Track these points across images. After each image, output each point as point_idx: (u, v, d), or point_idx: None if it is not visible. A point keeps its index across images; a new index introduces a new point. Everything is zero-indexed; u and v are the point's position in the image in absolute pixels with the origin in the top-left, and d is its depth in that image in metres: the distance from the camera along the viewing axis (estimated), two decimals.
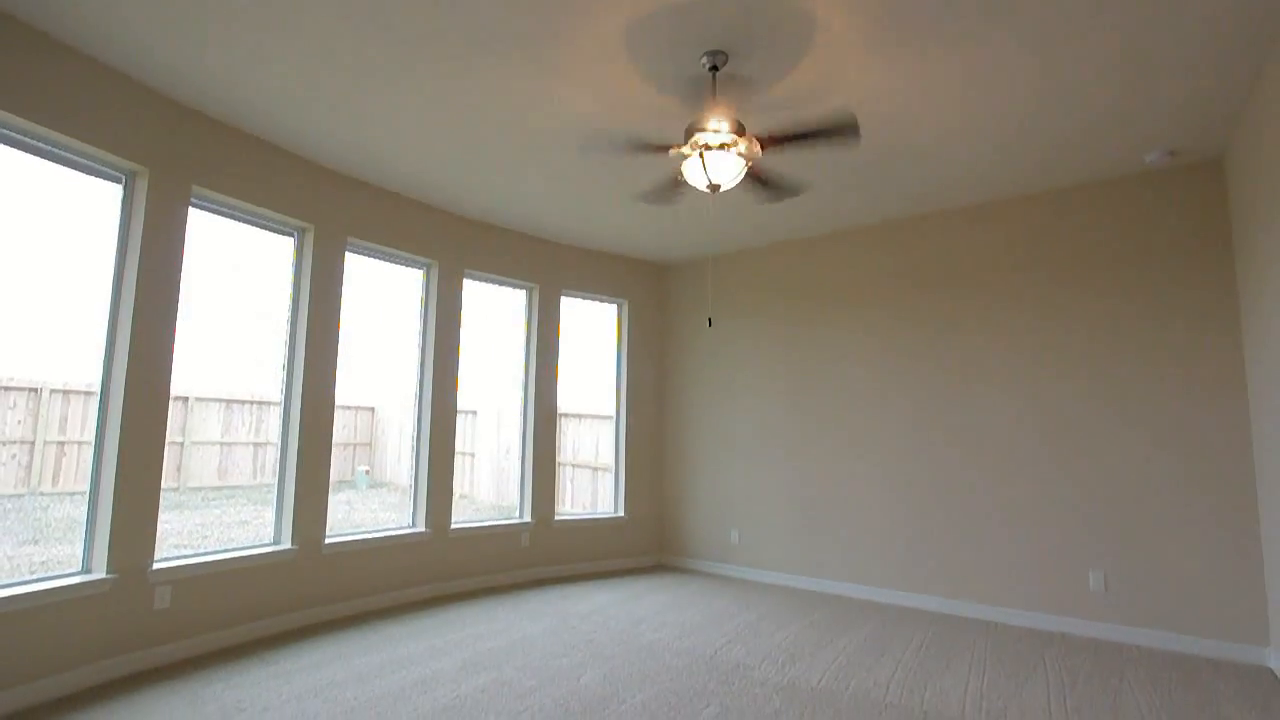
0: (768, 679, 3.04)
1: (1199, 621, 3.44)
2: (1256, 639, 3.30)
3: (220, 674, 2.99)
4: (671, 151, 2.63)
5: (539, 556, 5.06)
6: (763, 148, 2.55)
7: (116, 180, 3.09)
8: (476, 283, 4.98)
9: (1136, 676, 3.11)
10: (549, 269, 5.30)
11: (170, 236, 3.18)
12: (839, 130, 2.45)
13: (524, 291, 5.27)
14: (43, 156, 2.84)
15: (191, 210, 3.32)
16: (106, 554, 2.91)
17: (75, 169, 2.96)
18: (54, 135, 2.77)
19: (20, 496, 5.46)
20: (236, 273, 4.33)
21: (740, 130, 2.52)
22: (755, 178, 2.86)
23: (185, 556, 3.30)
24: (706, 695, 2.85)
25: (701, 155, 2.50)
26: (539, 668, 3.14)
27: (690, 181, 2.64)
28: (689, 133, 2.56)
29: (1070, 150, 3.51)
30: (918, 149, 3.50)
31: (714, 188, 2.56)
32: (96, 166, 3.01)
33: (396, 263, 4.49)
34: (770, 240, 5.24)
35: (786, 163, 3.63)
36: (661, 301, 5.98)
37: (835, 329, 4.89)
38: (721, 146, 2.50)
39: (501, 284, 5.13)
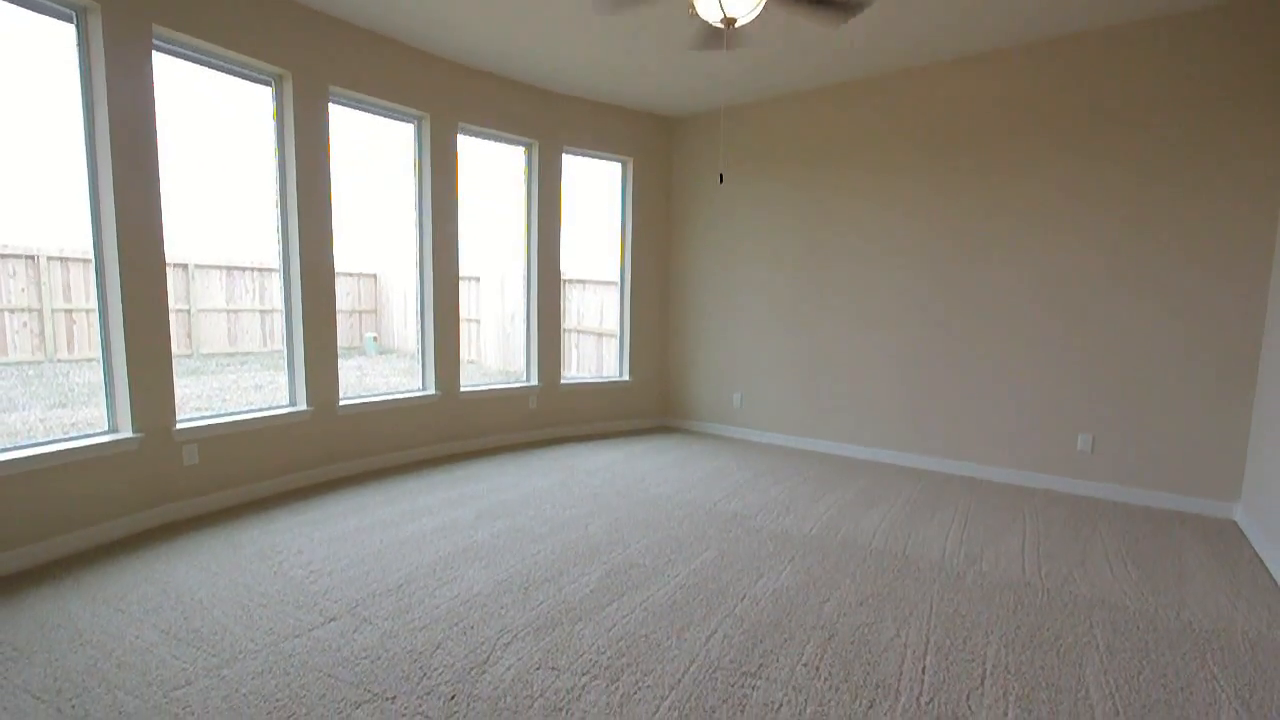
0: (763, 527, 3.27)
1: (1176, 479, 3.61)
2: (1227, 495, 3.48)
3: (253, 522, 3.22)
4: None
5: (546, 418, 5.26)
6: None
7: (67, 19, 2.80)
8: (472, 139, 4.69)
9: (1109, 528, 3.32)
10: (549, 124, 4.96)
11: (137, 84, 2.94)
12: None
13: (523, 148, 4.98)
14: None
15: (157, 56, 3.03)
16: (130, 415, 3.02)
17: (21, 5, 2.66)
18: None
19: (39, 364, 5.60)
20: (221, 130, 4.07)
21: None
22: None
23: (207, 417, 3.43)
24: (705, 540, 3.07)
25: None
26: (549, 517, 3.36)
27: (703, 16, 2.36)
28: None
29: None
30: None
31: (729, 22, 2.29)
32: (41, 1, 2.70)
33: (385, 115, 4.19)
34: (786, 89, 4.84)
35: None
36: (668, 159, 5.67)
37: (844, 193, 4.66)
38: None
39: (499, 140, 4.83)
